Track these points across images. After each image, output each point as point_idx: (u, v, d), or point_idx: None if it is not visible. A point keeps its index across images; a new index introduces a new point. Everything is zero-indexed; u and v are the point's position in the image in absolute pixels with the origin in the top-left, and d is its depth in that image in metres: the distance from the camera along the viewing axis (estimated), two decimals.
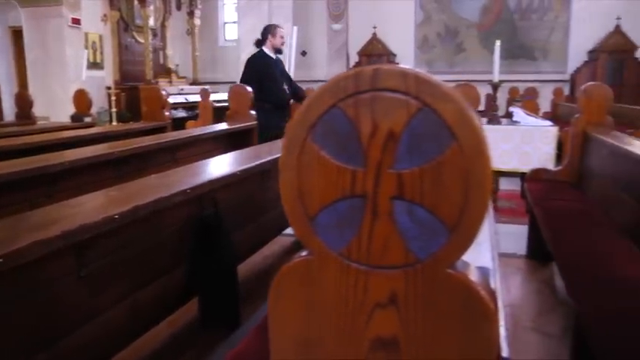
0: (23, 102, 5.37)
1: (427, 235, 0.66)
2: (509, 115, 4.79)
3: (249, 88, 4.17)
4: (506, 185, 4.87)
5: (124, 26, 9.80)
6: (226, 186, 2.13)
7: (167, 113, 4.41)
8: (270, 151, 2.74)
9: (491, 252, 1.20)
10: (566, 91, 9.13)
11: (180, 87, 9.57)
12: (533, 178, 3.44)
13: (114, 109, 7.87)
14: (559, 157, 4.16)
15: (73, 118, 5.11)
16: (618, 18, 9.05)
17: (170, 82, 9.75)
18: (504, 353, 0.83)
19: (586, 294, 1.67)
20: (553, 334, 2.29)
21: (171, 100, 5.51)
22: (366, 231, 0.68)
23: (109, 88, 8.45)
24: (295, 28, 5.19)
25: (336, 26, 10.23)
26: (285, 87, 4.67)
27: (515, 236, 3.46)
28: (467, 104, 0.63)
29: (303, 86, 5.09)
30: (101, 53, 8.86)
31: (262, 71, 4.54)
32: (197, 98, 7.26)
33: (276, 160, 2.50)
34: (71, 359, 1.35)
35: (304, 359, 0.76)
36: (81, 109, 5.15)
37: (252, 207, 2.47)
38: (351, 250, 0.70)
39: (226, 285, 1.99)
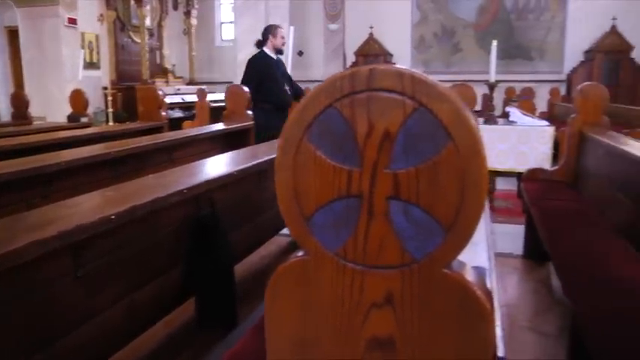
0: (19, 102, 5.36)
1: (423, 235, 0.66)
2: (505, 115, 4.81)
3: (246, 88, 4.16)
4: (502, 185, 4.88)
5: (121, 26, 9.79)
6: (223, 186, 2.13)
7: (164, 113, 4.39)
8: (267, 152, 2.74)
9: (488, 252, 1.20)
10: (563, 91, 9.15)
11: (177, 87, 9.56)
12: (529, 178, 3.45)
13: (110, 109, 7.86)
14: (555, 157, 4.18)
15: (70, 118, 5.11)
16: (614, 18, 9.07)
17: (167, 82, 9.73)
18: (501, 353, 0.83)
19: (582, 294, 1.67)
20: (549, 334, 2.30)
21: (168, 100, 5.50)
22: (362, 231, 0.68)
23: (105, 88, 8.42)
24: (292, 28, 5.18)
25: (333, 26, 10.23)
26: (287, 88, 4.65)
27: (512, 236, 3.47)
28: (463, 104, 0.63)
29: (301, 86, 5.08)
30: (97, 53, 8.84)
31: (263, 72, 4.52)
32: (194, 98, 7.25)
33: (272, 160, 2.49)
34: None
35: (301, 359, 0.77)
36: (77, 109, 5.14)
37: (249, 207, 2.47)
38: (347, 250, 0.70)
39: (223, 285, 1.99)
